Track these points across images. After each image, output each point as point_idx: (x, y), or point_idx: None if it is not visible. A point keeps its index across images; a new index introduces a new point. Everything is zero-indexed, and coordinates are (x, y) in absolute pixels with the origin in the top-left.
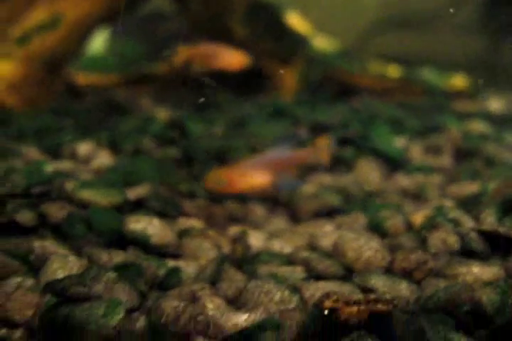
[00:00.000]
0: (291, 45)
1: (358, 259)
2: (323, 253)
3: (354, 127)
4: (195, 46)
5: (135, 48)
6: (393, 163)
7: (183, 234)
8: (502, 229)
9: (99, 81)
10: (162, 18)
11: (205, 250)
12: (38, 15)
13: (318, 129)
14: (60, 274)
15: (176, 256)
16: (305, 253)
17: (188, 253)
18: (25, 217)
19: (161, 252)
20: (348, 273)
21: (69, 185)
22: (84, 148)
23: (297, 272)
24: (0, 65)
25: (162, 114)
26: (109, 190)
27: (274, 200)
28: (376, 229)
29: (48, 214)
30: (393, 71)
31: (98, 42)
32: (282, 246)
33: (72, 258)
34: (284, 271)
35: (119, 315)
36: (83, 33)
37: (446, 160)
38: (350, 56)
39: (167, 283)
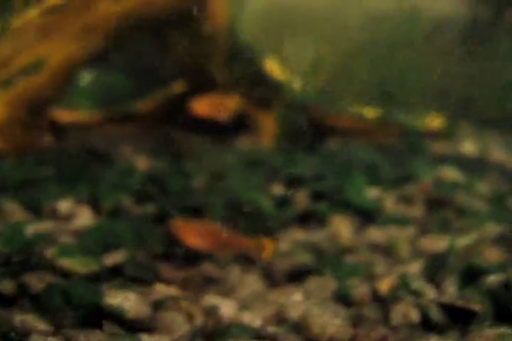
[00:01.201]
0: (270, 90)
1: (323, 334)
2: (290, 326)
3: (329, 180)
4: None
5: (123, 83)
6: (366, 216)
7: (157, 305)
8: (460, 302)
9: (81, 119)
10: (149, 53)
11: (179, 323)
12: (22, 59)
13: (294, 182)
14: None
15: (150, 330)
16: (273, 328)
17: (162, 327)
18: (6, 286)
19: (136, 327)
20: None
21: (49, 252)
22: (64, 205)
23: None
24: None
25: (142, 163)
26: (87, 257)
27: (250, 259)
28: (343, 298)
29: (28, 284)
30: (370, 112)
31: (86, 76)
32: (252, 317)
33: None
34: None
35: None
36: (67, 75)
37: (418, 211)
38: (327, 97)
39: None
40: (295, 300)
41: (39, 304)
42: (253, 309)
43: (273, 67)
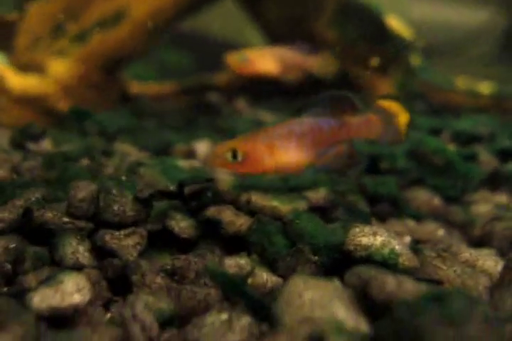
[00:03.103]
0: (393, 50)
1: None
2: None
3: (503, 138)
4: None
5: (179, 58)
6: None
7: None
8: None
9: (153, 90)
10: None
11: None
12: (99, 11)
13: (467, 140)
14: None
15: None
16: None
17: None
18: (184, 224)
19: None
20: None
21: (223, 185)
22: (203, 146)
23: None
24: (53, 65)
25: (267, 117)
26: (286, 193)
27: (446, 219)
28: None
29: (219, 220)
30: (484, 87)
31: None
32: None
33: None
34: None
35: None
36: (149, 31)
37: None
38: (434, 71)
39: None
40: None
41: (239, 248)
42: None
43: (394, 24)
